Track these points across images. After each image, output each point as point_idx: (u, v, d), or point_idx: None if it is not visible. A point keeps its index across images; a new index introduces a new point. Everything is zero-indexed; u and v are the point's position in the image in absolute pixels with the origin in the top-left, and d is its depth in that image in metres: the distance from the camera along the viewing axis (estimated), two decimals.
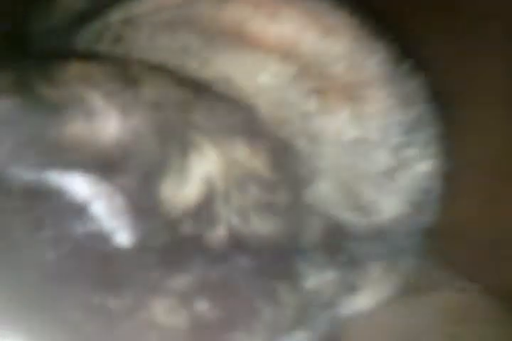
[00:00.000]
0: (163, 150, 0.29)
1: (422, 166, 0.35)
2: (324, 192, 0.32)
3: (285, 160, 0.31)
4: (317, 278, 0.33)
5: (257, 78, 0.32)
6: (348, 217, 0.32)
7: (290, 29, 0.34)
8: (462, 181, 0.39)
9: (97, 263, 0.30)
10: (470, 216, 0.44)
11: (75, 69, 0.29)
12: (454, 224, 0.40)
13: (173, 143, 0.29)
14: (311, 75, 0.33)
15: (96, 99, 0.29)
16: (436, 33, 0.40)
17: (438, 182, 0.36)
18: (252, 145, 0.30)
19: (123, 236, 0.29)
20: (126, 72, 0.30)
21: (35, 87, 0.28)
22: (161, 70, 0.31)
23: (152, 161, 0.29)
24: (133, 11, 0.36)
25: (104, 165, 0.28)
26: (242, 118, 0.31)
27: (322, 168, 0.32)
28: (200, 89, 0.31)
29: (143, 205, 0.29)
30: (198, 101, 0.30)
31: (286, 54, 0.33)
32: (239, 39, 0.33)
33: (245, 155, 0.30)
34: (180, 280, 0.30)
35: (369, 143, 0.33)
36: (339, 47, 0.35)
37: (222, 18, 0.34)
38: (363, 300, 0.36)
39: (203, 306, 0.31)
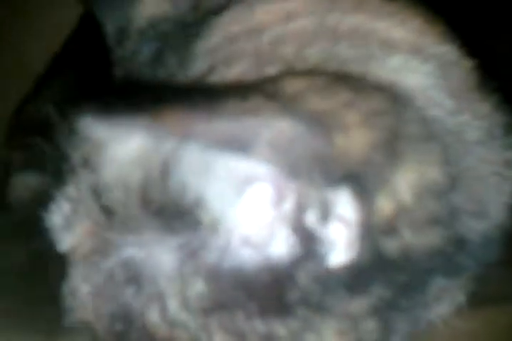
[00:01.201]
0: (383, 160, 0.28)
1: None
2: (460, 195, 0.31)
3: (448, 163, 0.30)
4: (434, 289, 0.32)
5: (406, 77, 0.32)
6: (467, 224, 0.32)
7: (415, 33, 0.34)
8: None
9: (272, 287, 0.29)
10: None
11: (297, 83, 0.28)
12: None
13: (389, 153, 0.28)
14: (447, 76, 0.33)
15: (340, 112, 0.27)
16: None
17: None
18: (432, 152, 0.30)
19: (338, 255, 0.28)
20: (348, 81, 0.29)
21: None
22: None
23: (375, 171, 0.28)
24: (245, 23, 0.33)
25: (348, 178, 0.27)
26: (419, 122, 0.30)
27: (464, 169, 0.32)
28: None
29: (365, 221, 0.28)
30: (402, 108, 0.29)
31: (421, 54, 0.33)
32: (378, 43, 0.32)
33: (433, 165, 0.30)
34: (358, 303, 0.29)
35: (481, 144, 0.33)
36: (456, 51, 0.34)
37: (357, 26, 0.32)
38: (441, 308, 0.36)
39: (370, 326, 0.30)
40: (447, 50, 0.34)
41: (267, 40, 0.31)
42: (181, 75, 0.31)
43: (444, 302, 0.35)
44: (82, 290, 0.33)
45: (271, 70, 0.30)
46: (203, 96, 0.26)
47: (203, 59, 0.32)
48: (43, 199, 0.35)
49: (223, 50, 0.32)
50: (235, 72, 0.30)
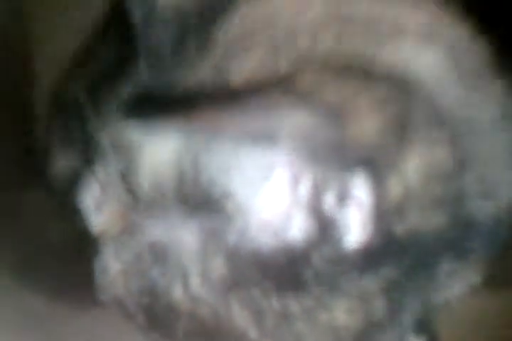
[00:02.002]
0: (393, 145, 0.30)
1: None
2: (468, 177, 0.32)
3: (456, 147, 0.32)
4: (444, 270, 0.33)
5: (417, 63, 0.32)
6: (475, 205, 0.33)
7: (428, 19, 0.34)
8: None
9: (287, 267, 0.31)
10: None
11: (310, 77, 0.30)
12: None
13: (399, 137, 0.30)
14: (458, 59, 0.34)
15: (352, 101, 0.29)
16: None
17: None
18: (441, 137, 0.31)
19: (353, 238, 0.30)
20: (358, 70, 0.30)
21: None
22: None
23: (386, 156, 0.30)
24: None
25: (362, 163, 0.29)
26: (428, 108, 0.31)
27: (474, 151, 0.33)
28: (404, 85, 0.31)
29: (378, 203, 0.30)
30: (411, 94, 0.31)
31: (432, 39, 0.33)
32: (390, 29, 0.33)
33: (441, 149, 0.31)
34: (367, 284, 0.31)
35: (492, 126, 0.34)
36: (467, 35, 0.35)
37: (371, 13, 0.33)
38: (453, 289, 0.36)
39: (379, 306, 0.32)
40: (459, 32, 0.34)
41: (282, 29, 0.33)
42: (201, 64, 0.33)
43: (457, 283, 0.36)
44: (112, 268, 0.35)
45: (286, 60, 0.31)
46: (227, 95, 0.29)
47: (221, 47, 0.33)
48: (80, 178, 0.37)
49: (241, 39, 0.33)
50: (252, 61, 0.32)
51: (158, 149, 0.31)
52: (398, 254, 0.31)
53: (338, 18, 0.33)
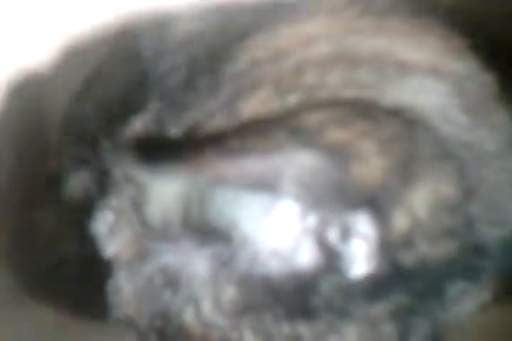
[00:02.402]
0: (398, 183, 0.30)
1: None
2: (476, 205, 0.33)
3: (463, 177, 0.33)
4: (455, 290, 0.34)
5: (423, 98, 0.33)
6: (484, 231, 0.34)
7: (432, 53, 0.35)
8: None
9: (296, 294, 0.32)
10: None
11: (318, 116, 0.30)
12: None
13: (404, 175, 0.31)
14: (463, 92, 0.35)
15: (357, 141, 0.30)
16: None
17: None
18: (448, 169, 0.32)
19: (359, 268, 0.31)
20: (364, 110, 0.31)
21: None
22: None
23: (391, 193, 0.31)
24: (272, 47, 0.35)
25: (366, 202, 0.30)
26: (434, 142, 0.32)
27: (480, 179, 0.33)
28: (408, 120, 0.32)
29: (382, 237, 0.31)
30: (417, 131, 0.32)
31: (437, 73, 0.34)
32: (396, 66, 0.34)
33: (448, 181, 0.32)
34: (376, 309, 0.32)
35: (498, 155, 0.35)
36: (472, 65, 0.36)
37: (376, 49, 0.34)
38: (462, 308, 0.37)
39: (388, 329, 0.33)
40: (464, 66, 0.35)
41: (288, 66, 0.33)
42: (210, 100, 0.34)
43: (467, 301, 0.36)
44: (125, 290, 0.36)
45: (293, 97, 0.32)
46: (231, 137, 0.30)
47: (230, 84, 0.34)
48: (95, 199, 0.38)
49: (248, 76, 0.34)
50: (259, 98, 0.33)
51: (165, 186, 0.33)
52: (407, 282, 0.32)
53: (344, 54, 0.34)
